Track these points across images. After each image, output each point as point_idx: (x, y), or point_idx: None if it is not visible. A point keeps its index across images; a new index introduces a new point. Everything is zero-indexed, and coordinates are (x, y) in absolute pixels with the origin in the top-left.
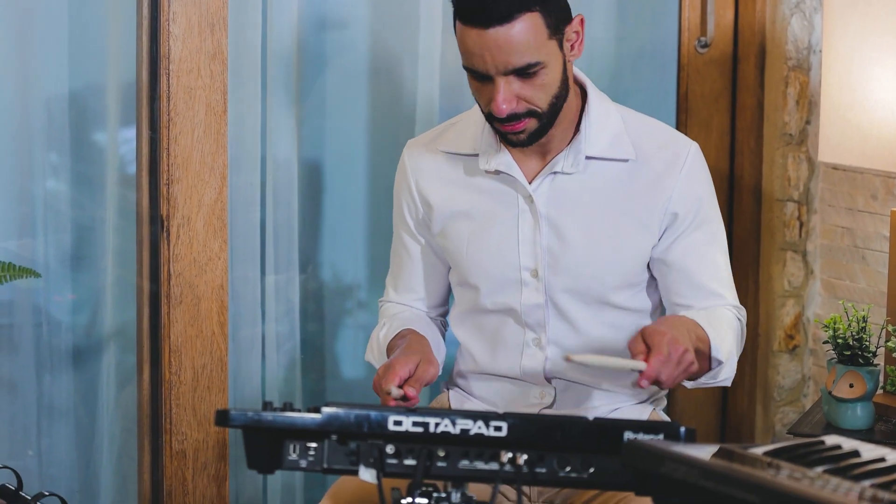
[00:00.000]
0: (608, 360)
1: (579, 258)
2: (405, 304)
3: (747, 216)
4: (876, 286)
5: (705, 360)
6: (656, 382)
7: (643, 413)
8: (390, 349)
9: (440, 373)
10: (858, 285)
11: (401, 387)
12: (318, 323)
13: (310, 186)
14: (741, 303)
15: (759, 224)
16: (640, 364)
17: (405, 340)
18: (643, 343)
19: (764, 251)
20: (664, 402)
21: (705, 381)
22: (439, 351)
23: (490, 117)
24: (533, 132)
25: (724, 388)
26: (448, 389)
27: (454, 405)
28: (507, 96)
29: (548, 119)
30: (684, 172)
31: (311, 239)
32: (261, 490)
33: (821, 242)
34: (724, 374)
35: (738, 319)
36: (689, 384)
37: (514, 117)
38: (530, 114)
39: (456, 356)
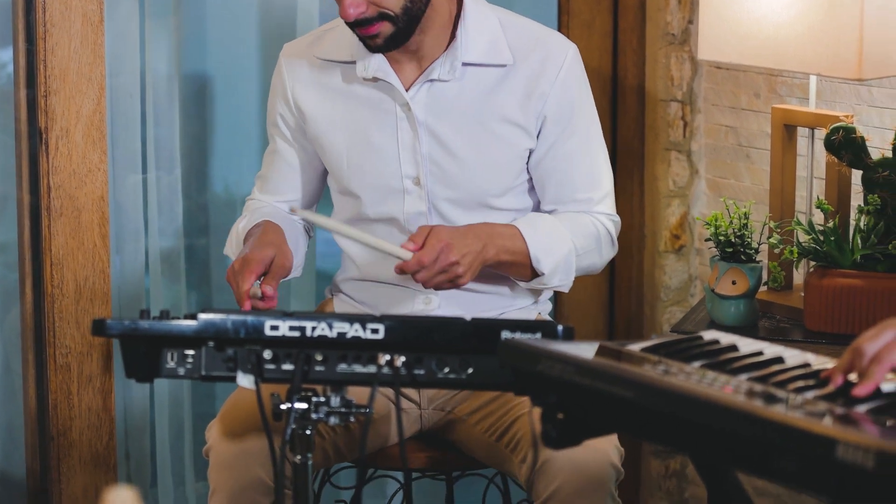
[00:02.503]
0: (371, 238)
1: (461, 165)
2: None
3: (631, 117)
4: (761, 184)
5: (525, 268)
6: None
7: (528, 316)
8: (247, 238)
9: (294, 267)
10: (743, 184)
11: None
12: (204, 236)
13: (193, 98)
14: (626, 204)
15: (643, 125)
16: (404, 253)
17: (260, 229)
18: (424, 237)
19: (648, 152)
20: (549, 306)
21: (535, 285)
22: (298, 246)
23: (348, 23)
24: (389, 36)
25: (612, 289)
26: (332, 296)
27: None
28: (356, 1)
29: (405, 24)
30: (561, 76)
31: (195, 152)
32: (148, 403)
33: (705, 142)
34: (557, 282)
35: (604, 226)
36: (523, 284)
37: (367, 21)
38: (382, 17)
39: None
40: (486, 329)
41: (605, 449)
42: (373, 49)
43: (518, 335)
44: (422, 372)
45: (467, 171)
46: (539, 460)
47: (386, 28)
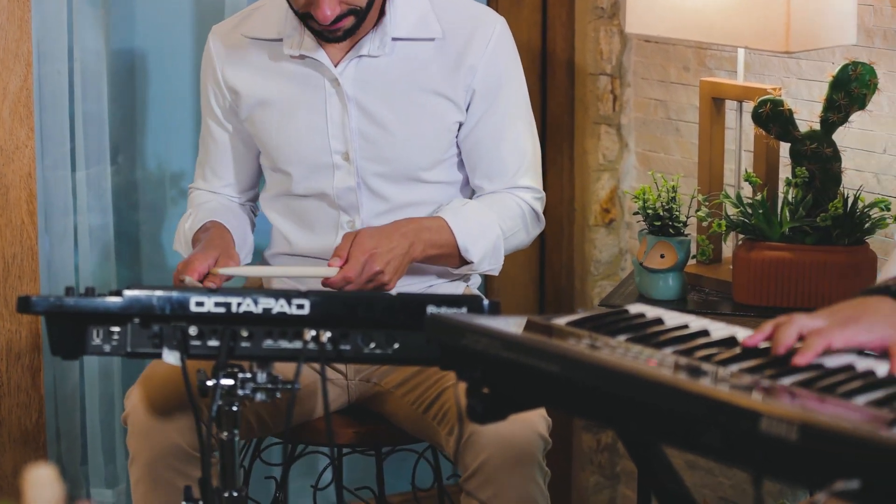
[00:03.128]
0: (294, 270)
1: (390, 140)
2: (214, 192)
3: (560, 91)
4: (690, 158)
5: (454, 258)
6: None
7: (456, 290)
8: (195, 242)
9: (242, 261)
10: (673, 157)
11: (201, 282)
12: (135, 213)
13: (122, 75)
14: (556, 178)
15: (573, 99)
16: (329, 272)
17: (207, 234)
18: (347, 251)
19: (578, 126)
20: (479, 280)
21: (465, 271)
22: (244, 243)
23: (305, 16)
24: (349, 28)
25: (542, 264)
26: None
27: (265, 285)
28: (332, 3)
29: (365, 13)
30: (489, 49)
31: (125, 129)
32: (78, 380)
33: (635, 115)
34: (487, 267)
35: (528, 205)
36: (453, 271)
37: (336, 19)
38: (350, 12)
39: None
40: (412, 304)
41: (532, 420)
42: (330, 40)
43: (444, 310)
44: (348, 347)
45: (397, 145)
46: (466, 433)
47: (349, 22)
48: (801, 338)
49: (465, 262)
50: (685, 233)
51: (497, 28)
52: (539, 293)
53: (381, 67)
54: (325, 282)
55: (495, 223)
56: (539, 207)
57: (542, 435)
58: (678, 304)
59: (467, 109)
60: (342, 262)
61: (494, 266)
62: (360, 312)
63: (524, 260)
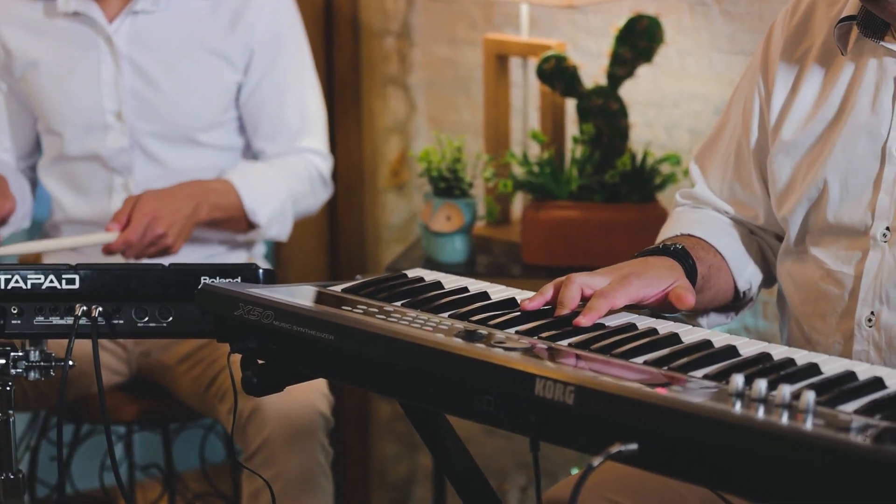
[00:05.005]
0: (69, 241)
1: (164, 99)
2: None
3: (346, 51)
4: (480, 117)
5: (241, 222)
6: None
7: (239, 258)
8: None
9: (22, 217)
10: (462, 117)
11: None
12: None
13: None
14: (344, 141)
15: (359, 59)
16: (108, 237)
17: None
18: (128, 212)
19: (365, 86)
20: (262, 247)
21: (252, 237)
22: (23, 196)
23: None
24: None
25: (333, 229)
26: None
27: (46, 259)
28: None
29: None
30: (268, 7)
31: None
32: None
33: (423, 75)
34: (275, 232)
35: (316, 168)
36: (240, 237)
37: None
38: None
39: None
40: (186, 275)
41: (312, 398)
42: None
43: (217, 280)
44: (121, 322)
45: (171, 104)
46: (247, 411)
47: None
48: (584, 298)
49: (251, 226)
50: (471, 194)
51: None
52: (331, 259)
53: (157, 24)
54: (105, 248)
55: (283, 186)
56: (327, 171)
57: (323, 413)
58: (467, 267)
59: (247, 70)
60: (121, 227)
61: (282, 231)
62: (132, 285)
63: (314, 226)
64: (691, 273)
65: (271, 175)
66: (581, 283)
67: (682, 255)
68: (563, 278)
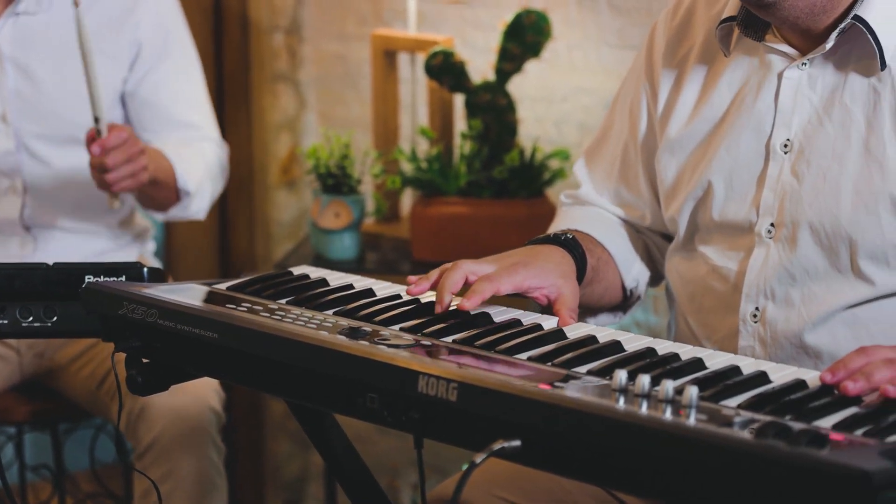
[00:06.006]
0: None
1: (49, 100)
2: None
3: (235, 48)
4: (369, 113)
5: (171, 190)
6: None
7: (130, 256)
8: None
9: None
10: (352, 113)
11: None
12: None
13: None
14: (234, 138)
15: (248, 55)
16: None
17: None
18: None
19: (254, 83)
20: (152, 245)
21: (177, 213)
22: None
23: None
24: None
25: (223, 227)
26: None
27: None
28: None
29: None
30: (152, 7)
31: None
32: None
33: (312, 72)
34: (196, 207)
35: (216, 155)
36: (159, 216)
37: None
38: None
39: None
40: (70, 274)
41: (204, 395)
42: None
43: (102, 279)
44: (5, 322)
45: (56, 105)
46: (137, 409)
47: None
48: (469, 284)
49: (178, 196)
50: (360, 191)
51: None
52: (221, 258)
53: (41, 25)
54: (93, 160)
55: (202, 161)
56: (225, 160)
57: (214, 410)
58: (356, 264)
59: (133, 66)
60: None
61: (202, 206)
62: (16, 285)
63: (203, 224)
64: (581, 263)
65: (187, 151)
66: (467, 269)
67: (573, 244)
68: (451, 264)
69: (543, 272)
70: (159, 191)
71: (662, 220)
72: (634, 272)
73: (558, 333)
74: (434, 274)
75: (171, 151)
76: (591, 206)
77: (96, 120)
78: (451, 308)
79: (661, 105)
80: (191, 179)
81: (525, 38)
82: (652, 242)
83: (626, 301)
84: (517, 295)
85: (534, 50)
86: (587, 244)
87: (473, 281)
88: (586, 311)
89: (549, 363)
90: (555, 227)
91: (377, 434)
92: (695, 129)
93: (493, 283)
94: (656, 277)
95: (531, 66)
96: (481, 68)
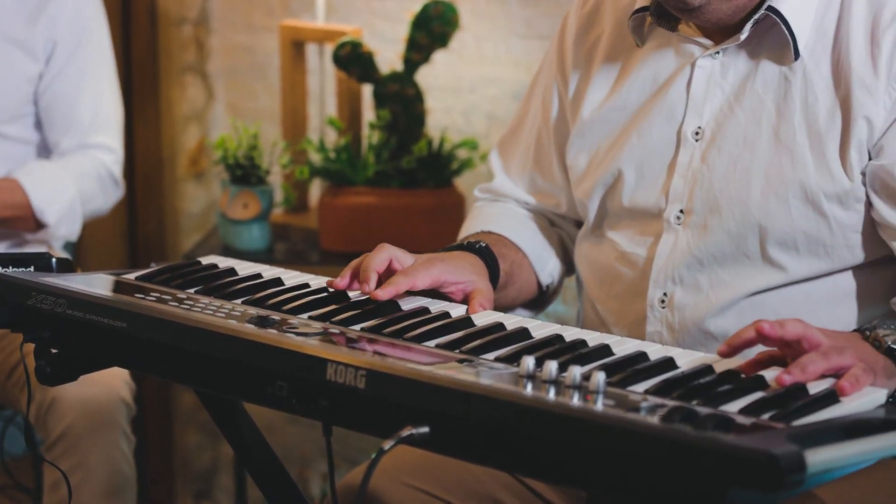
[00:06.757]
0: None
1: None
2: None
3: (143, 40)
4: (278, 104)
5: (29, 221)
6: None
7: (37, 247)
8: None
9: None
10: (261, 104)
11: None
12: None
13: None
14: (143, 130)
15: (157, 47)
16: None
17: None
18: None
19: (163, 75)
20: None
21: (41, 237)
22: None
23: None
24: None
25: (132, 218)
26: None
27: None
28: None
29: None
30: (71, 1)
31: None
32: None
33: (221, 63)
34: (64, 232)
35: (106, 168)
36: (29, 236)
37: None
38: None
39: None
40: None
41: (114, 385)
42: None
43: (10, 270)
44: None
45: None
46: (48, 399)
47: None
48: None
49: (40, 226)
50: (268, 181)
51: None
52: (130, 249)
53: None
54: None
55: (73, 185)
56: (118, 171)
57: (125, 400)
58: (265, 254)
59: (48, 61)
60: None
61: (72, 231)
62: None
63: (113, 216)
64: (494, 270)
65: (60, 174)
66: (391, 253)
67: (486, 252)
68: (375, 249)
69: (459, 269)
70: (14, 224)
71: (577, 208)
72: (549, 268)
73: (466, 321)
74: (357, 263)
75: (34, 180)
76: (505, 202)
77: None
78: (362, 297)
79: (571, 91)
80: (51, 212)
81: (433, 29)
82: (566, 234)
83: (542, 296)
84: (433, 292)
85: (442, 40)
86: (500, 248)
87: (397, 268)
88: (502, 310)
89: (457, 350)
90: (468, 229)
91: (287, 424)
92: (606, 115)
93: (410, 278)
94: (571, 268)
95: (439, 56)
96: (389, 59)
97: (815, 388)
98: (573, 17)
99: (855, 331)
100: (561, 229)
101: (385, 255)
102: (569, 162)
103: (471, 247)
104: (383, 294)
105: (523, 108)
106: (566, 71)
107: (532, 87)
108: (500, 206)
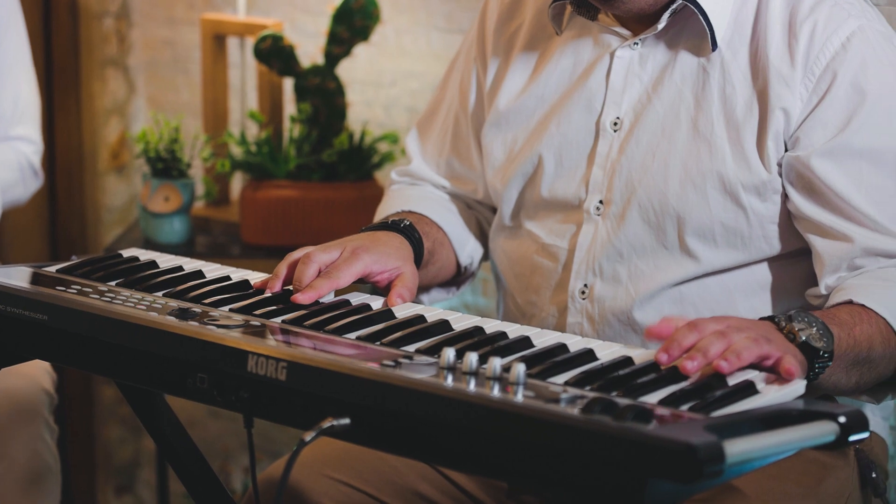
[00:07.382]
0: None
1: None
2: None
3: (64, 33)
4: (199, 98)
5: None
6: None
7: None
8: None
9: None
10: (182, 98)
11: None
12: None
13: None
14: (63, 123)
15: (78, 40)
16: None
17: None
18: None
19: (84, 68)
20: None
21: None
22: None
23: None
24: None
25: (53, 212)
26: None
27: None
28: None
29: None
30: None
31: None
32: None
33: (142, 56)
34: None
35: (26, 157)
36: None
37: None
38: None
39: None
40: None
41: (36, 375)
42: None
43: None
44: None
45: None
46: None
47: None
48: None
49: None
50: (189, 175)
51: None
52: (50, 242)
53: None
54: None
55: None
56: (37, 161)
57: (46, 390)
58: (186, 247)
59: None
60: None
61: None
62: None
63: (33, 209)
64: (418, 248)
65: None
66: (318, 261)
67: (409, 230)
68: (299, 254)
69: (384, 257)
70: None
71: None
72: (469, 249)
73: (387, 313)
74: (282, 269)
75: None
76: (423, 185)
77: None
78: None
79: (489, 79)
80: None
81: (354, 22)
82: (483, 217)
83: (458, 277)
84: (359, 281)
85: (363, 34)
86: (423, 226)
87: (324, 269)
88: (420, 289)
89: (378, 342)
90: (388, 209)
91: (208, 418)
92: (524, 105)
93: (332, 281)
94: (488, 253)
95: (360, 50)
96: (311, 52)
97: (733, 379)
98: (494, 5)
99: (768, 319)
100: (479, 213)
101: (314, 268)
102: (484, 150)
103: (395, 225)
104: (304, 298)
105: (440, 92)
106: (486, 57)
107: (450, 70)
108: (419, 189)
